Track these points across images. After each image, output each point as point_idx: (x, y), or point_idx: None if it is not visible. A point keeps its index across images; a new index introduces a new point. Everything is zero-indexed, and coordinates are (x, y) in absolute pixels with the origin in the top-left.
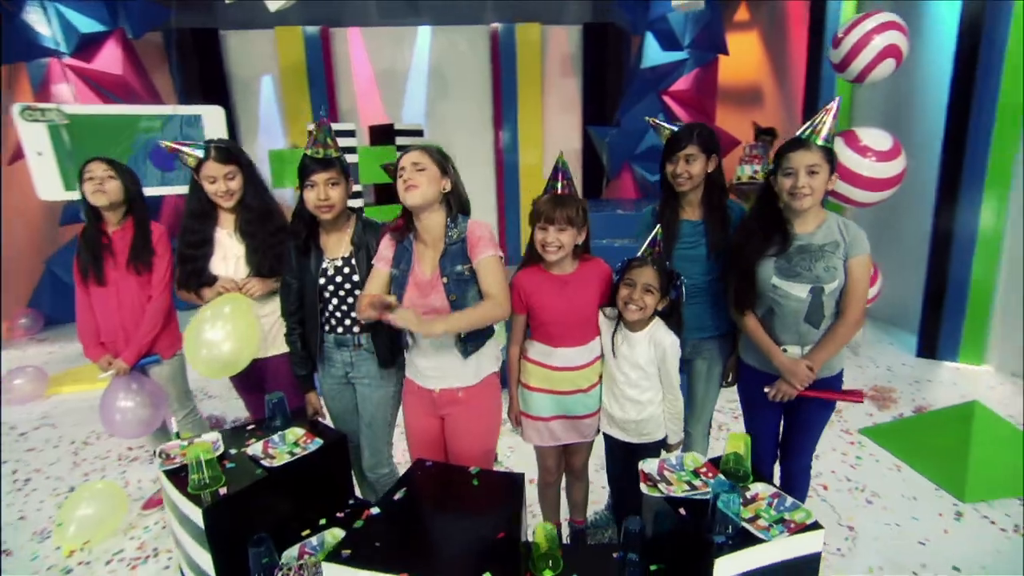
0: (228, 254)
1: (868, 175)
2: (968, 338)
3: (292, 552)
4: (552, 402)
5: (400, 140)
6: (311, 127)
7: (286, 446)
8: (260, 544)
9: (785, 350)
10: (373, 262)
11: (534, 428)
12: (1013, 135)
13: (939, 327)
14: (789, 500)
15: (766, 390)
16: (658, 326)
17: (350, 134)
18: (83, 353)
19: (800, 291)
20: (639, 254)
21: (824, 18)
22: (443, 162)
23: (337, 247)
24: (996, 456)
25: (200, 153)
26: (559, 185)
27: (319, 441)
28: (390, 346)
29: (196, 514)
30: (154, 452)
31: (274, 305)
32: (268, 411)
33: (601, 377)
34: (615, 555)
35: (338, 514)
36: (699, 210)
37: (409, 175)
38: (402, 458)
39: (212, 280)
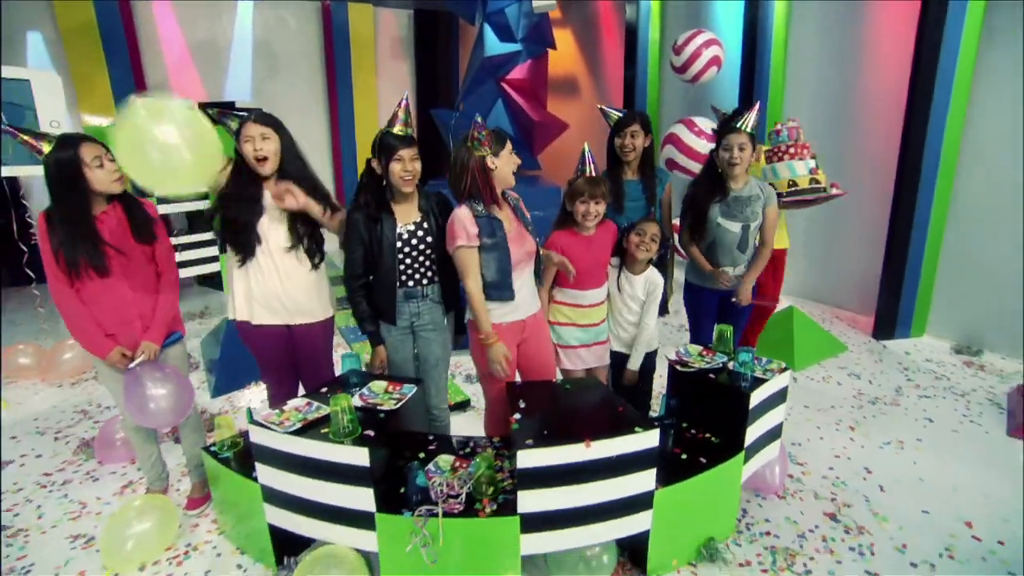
0: (273, 222)
1: (701, 151)
2: (917, 317)
3: (420, 477)
4: (582, 333)
5: None
6: (398, 109)
7: (382, 395)
8: (414, 470)
9: (725, 271)
10: (463, 244)
11: (567, 355)
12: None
13: (897, 308)
14: (764, 358)
15: (733, 300)
16: (652, 270)
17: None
18: (88, 350)
19: (735, 227)
20: (648, 215)
21: (637, 24)
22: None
23: (408, 214)
24: (809, 339)
25: (240, 119)
26: (588, 168)
27: (412, 385)
28: (451, 294)
29: (358, 455)
30: (252, 422)
31: (304, 274)
32: (344, 369)
33: (606, 316)
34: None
35: (429, 447)
36: (636, 173)
37: (505, 163)
38: None
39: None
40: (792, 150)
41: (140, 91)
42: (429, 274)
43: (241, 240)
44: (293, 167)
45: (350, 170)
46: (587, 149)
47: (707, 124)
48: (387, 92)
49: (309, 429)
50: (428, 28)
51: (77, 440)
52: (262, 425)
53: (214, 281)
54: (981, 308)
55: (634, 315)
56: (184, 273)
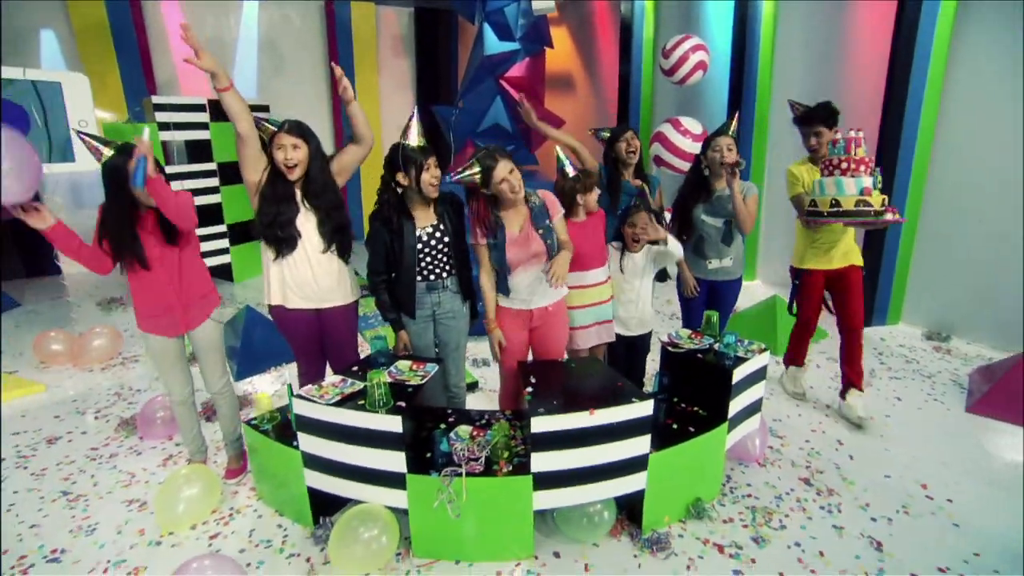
0: (305, 219)
1: (687, 150)
2: (892, 306)
3: (444, 444)
4: (592, 313)
5: None
6: (412, 123)
7: (408, 372)
8: (438, 438)
9: (711, 262)
10: (473, 242)
11: (576, 335)
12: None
13: (875, 298)
14: (746, 340)
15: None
16: (648, 246)
17: (199, 108)
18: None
19: (718, 223)
20: (635, 204)
21: (632, 23)
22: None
23: (426, 216)
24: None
25: (275, 128)
26: (569, 169)
27: (434, 364)
28: (468, 283)
29: (392, 423)
30: (296, 395)
31: (333, 263)
32: (373, 351)
33: (612, 296)
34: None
35: (449, 419)
36: (633, 175)
37: (516, 183)
38: None
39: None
40: (844, 164)
41: (150, 89)
42: (448, 267)
43: (283, 235)
44: (319, 176)
45: None
46: (559, 152)
47: (692, 124)
48: (388, 89)
49: (347, 401)
50: (428, 26)
51: (116, 419)
52: (305, 399)
53: (225, 273)
54: (951, 297)
55: (635, 293)
56: None
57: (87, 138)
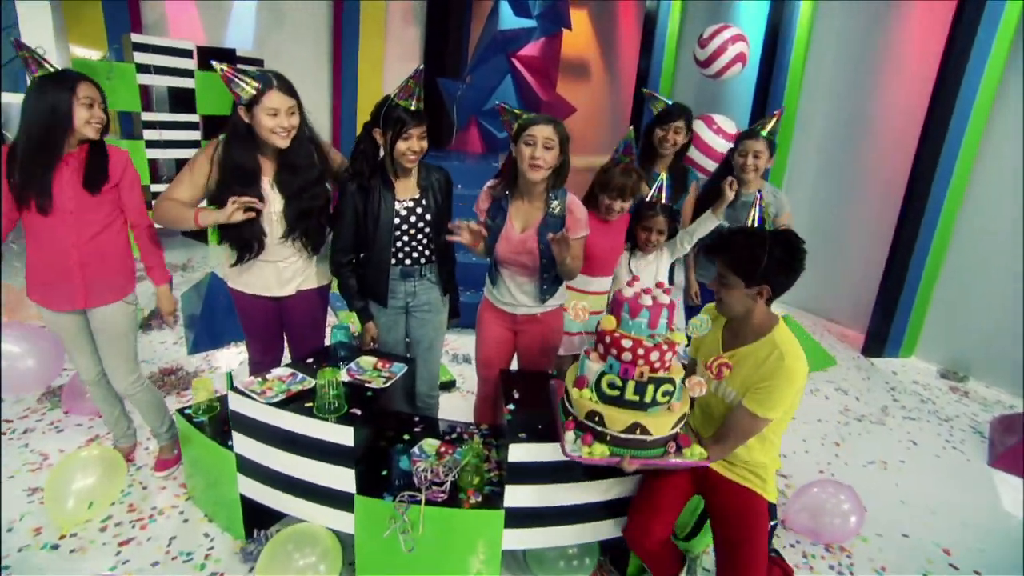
0: (270, 208)
1: (719, 150)
2: (908, 337)
3: (404, 460)
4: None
5: None
6: (412, 82)
7: (371, 371)
8: (401, 453)
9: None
10: (476, 208)
11: (565, 341)
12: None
13: (890, 327)
14: None
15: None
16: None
17: (185, 54)
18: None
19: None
20: (651, 203)
21: (657, 16)
22: (565, 139)
23: (406, 189)
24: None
25: (261, 84)
26: (626, 160)
27: (402, 364)
28: (448, 275)
29: (342, 433)
30: (232, 388)
31: (299, 249)
32: (334, 343)
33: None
34: None
35: (415, 429)
36: (666, 169)
37: (539, 152)
38: None
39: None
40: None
41: (135, 27)
42: (428, 253)
43: (246, 234)
44: (302, 147)
45: (348, 134)
46: (631, 135)
47: (727, 122)
48: (393, 57)
49: (292, 402)
50: None
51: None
52: (243, 393)
53: (198, 233)
54: (971, 335)
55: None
56: None
57: (23, 50)
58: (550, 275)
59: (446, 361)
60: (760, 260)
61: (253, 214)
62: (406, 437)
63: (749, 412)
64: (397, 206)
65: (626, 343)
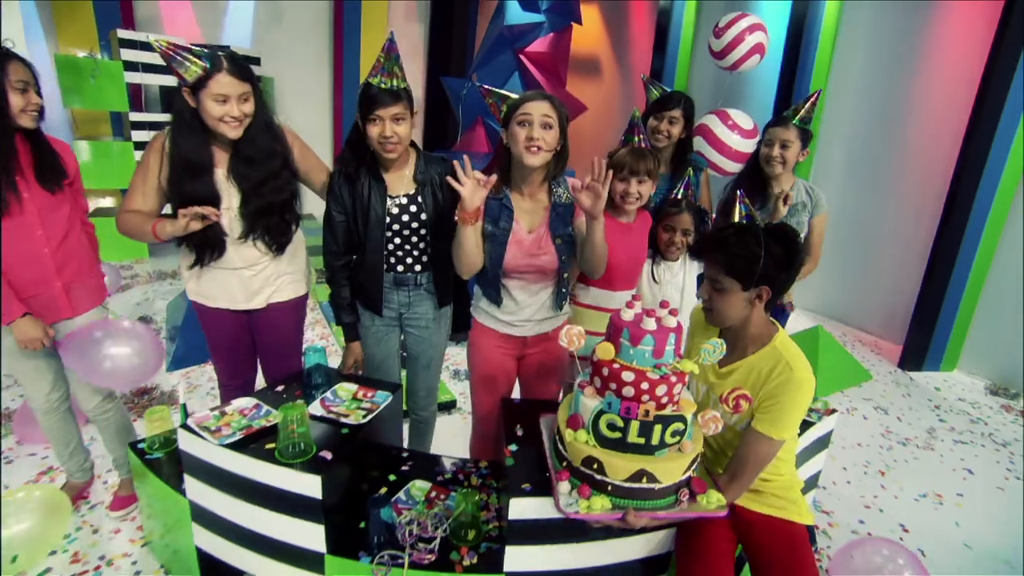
0: (226, 204)
1: (735, 148)
2: (950, 350)
3: (387, 511)
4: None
5: None
6: (381, 55)
7: (349, 402)
8: (381, 504)
9: None
10: (457, 216)
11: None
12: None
13: (930, 338)
14: None
15: None
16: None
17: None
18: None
19: None
20: (675, 199)
21: (671, 15)
22: (565, 117)
23: (399, 184)
24: (834, 363)
25: (206, 63)
26: (637, 139)
27: (387, 393)
28: (448, 285)
29: (308, 483)
30: (182, 426)
31: (265, 252)
32: (307, 367)
33: None
34: None
35: (403, 467)
36: (667, 167)
37: (537, 133)
38: None
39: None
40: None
41: (127, 25)
42: (424, 258)
43: (207, 231)
44: (261, 136)
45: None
46: (637, 115)
47: (743, 118)
48: None
49: (252, 442)
50: None
51: None
52: (193, 431)
53: None
54: (1020, 346)
55: (678, 302)
56: None
57: None
58: (567, 276)
59: (446, 377)
60: (758, 258)
61: (210, 221)
62: (391, 478)
63: (763, 436)
64: (389, 203)
65: (627, 376)
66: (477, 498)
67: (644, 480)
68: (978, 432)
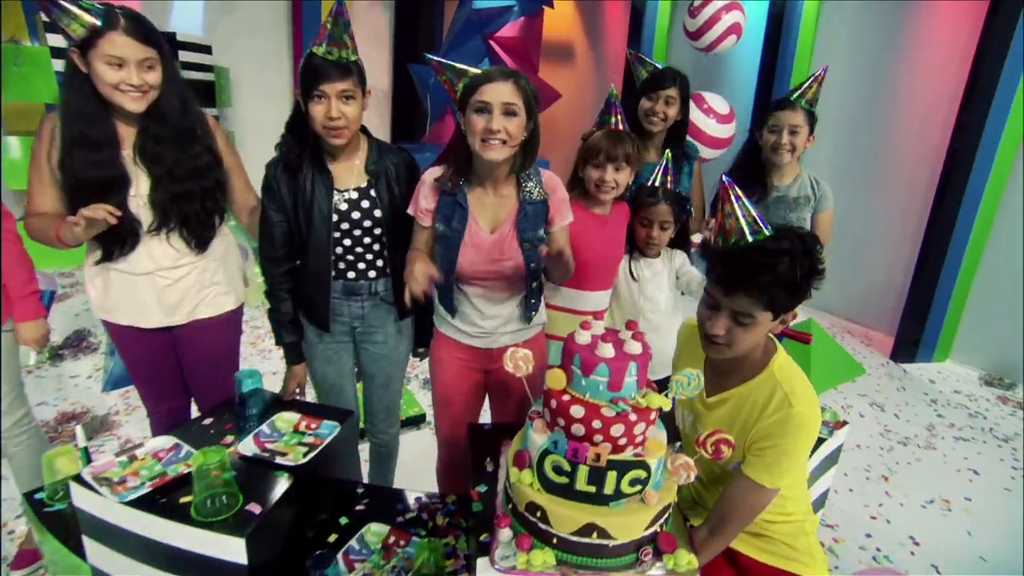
0: (133, 191)
1: (711, 134)
2: (943, 340)
3: (333, 569)
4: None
5: (183, 56)
6: (328, 20)
7: (288, 436)
8: (326, 563)
9: None
10: (412, 213)
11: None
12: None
13: (923, 328)
14: None
15: None
16: (670, 251)
17: None
18: None
19: None
20: (651, 187)
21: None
22: (532, 97)
23: (347, 176)
24: (828, 358)
25: (97, 20)
26: (614, 120)
27: (333, 424)
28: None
29: (231, 547)
30: (75, 478)
31: (193, 256)
32: (240, 396)
33: None
34: None
35: (357, 507)
36: (660, 153)
37: (497, 124)
38: None
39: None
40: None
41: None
42: (379, 263)
43: (123, 225)
44: (173, 111)
45: None
46: (614, 94)
47: (718, 102)
48: (360, 41)
49: (165, 494)
50: None
51: None
52: (87, 486)
53: None
54: (1015, 334)
55: (657, 314)
56: None
57: None
58: (537, 283)
59: (415, 388)
60: (795, 281)
61: (115, 221)
62: (343, 521)
63: (754, 484)
64: (336, 197)
65: (576, 411)
66: (443, 544)
67: (594, 535)
68: (978, 427)
